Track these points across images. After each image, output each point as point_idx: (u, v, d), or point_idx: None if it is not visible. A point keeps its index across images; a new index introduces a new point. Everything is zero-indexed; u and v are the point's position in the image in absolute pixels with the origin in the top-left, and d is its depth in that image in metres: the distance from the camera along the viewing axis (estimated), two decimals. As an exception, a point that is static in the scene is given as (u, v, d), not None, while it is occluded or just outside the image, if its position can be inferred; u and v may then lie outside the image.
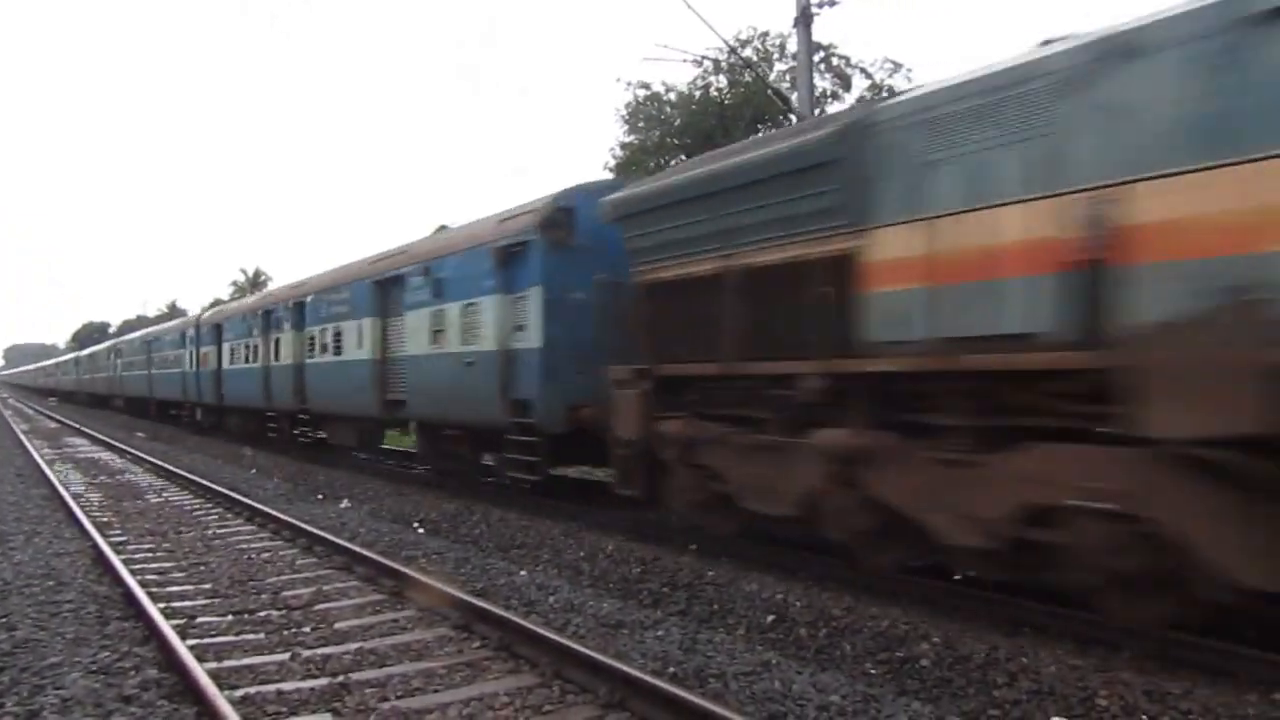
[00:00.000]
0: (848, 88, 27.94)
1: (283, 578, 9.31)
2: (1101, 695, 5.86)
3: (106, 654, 6.61)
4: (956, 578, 8.86)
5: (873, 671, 6.65)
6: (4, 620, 7.54)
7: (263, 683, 6.11)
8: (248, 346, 25.75)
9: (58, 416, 47.69)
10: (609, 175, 26.96)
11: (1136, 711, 5.67)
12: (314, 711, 5.63)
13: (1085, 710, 5.75)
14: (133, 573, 9.10)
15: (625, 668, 5.85)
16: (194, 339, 31.61)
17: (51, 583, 8.92)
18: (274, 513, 12.71)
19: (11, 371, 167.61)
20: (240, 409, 27.50)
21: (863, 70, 28.03)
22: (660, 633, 7.27)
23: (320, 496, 15.71)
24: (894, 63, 27.76)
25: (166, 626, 7.05)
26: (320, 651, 6.76)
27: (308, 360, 21.30)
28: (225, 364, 28.09)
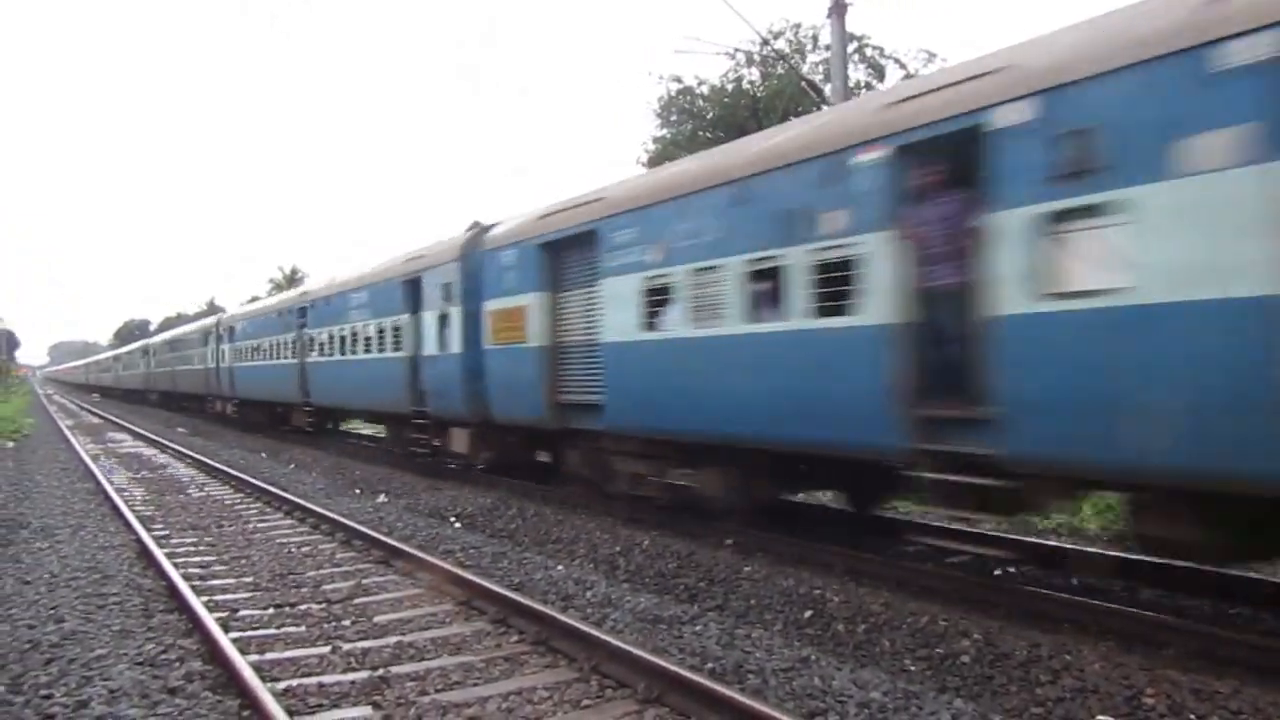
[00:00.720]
0: (882, 78, 27.67)
1: (322, 571, 9.41)
2: (1148, 694, 5.77)
3: (151, 646, 6.72)
4: (996, 573, 8.78)
5: (912, 668, 6.60)
6: (52, 612, 7.70)
7: (304, 675, 6.19)
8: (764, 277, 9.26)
9: (100, 412, 48.52)
10: (642, 169, 26.87)
11: (1184, 710, 5.58)
12: (355, 704, 5.69)
13: (1131, 709, 5.66)
14: (176, 566, 9.24)
15: (664, 663, 5.84)
16: (457, 288, 15.61)
17: (97, 576, 9.08)
18: (313, 507, 12.84)
19: (57, 368, 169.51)
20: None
21: (897, 60, 27.76)
22: (698, 628, 7.26)
23: (358, 491, 15.84)
24: (929, 53, 27.45)
25: (209, 619, 7.15)
26: (360, 645, 6.83)
27: None
28: (640, 329, 11.06)
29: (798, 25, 28.91)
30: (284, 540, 11.17)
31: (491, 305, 14.60)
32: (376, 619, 7.57)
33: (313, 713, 5.57)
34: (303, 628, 7.38)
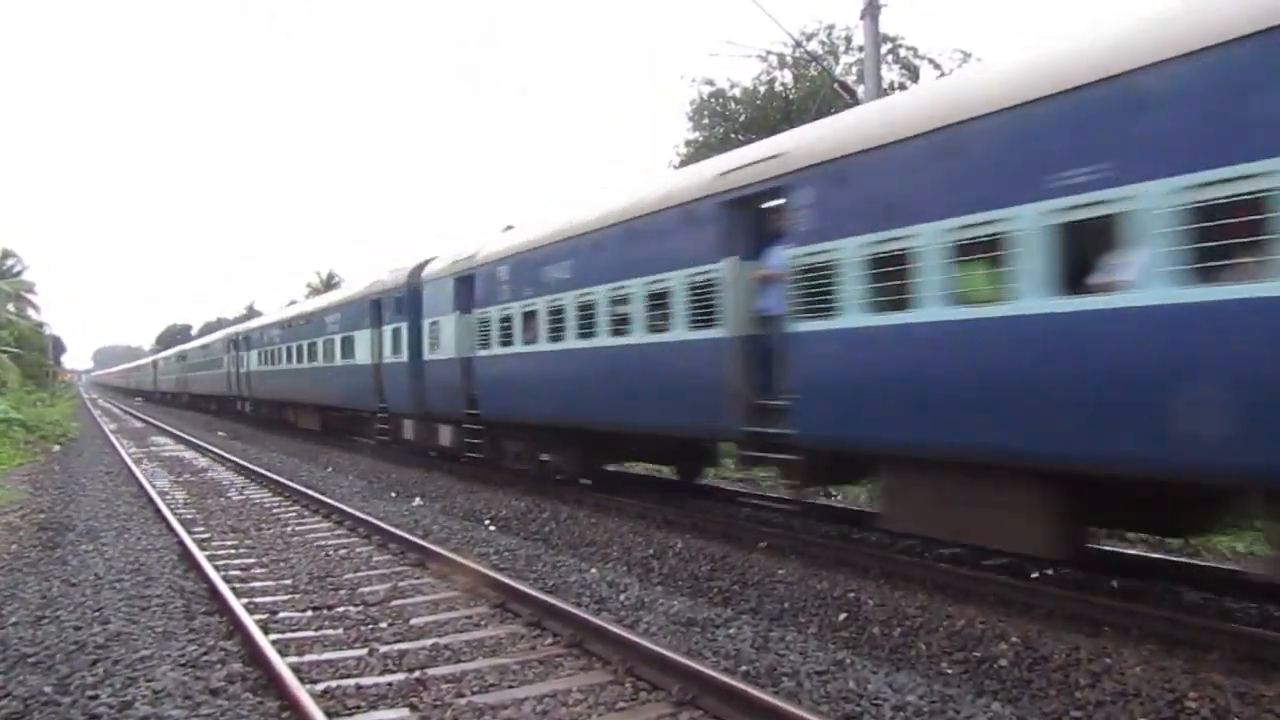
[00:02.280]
0: (916, 79, 27.46)
1: (360, 574, 9.51)
2: (1190, 698, 5.68)
3: (194, 648, 6.82)
4: (1034, 575, 8.67)
5: (949, 671, 6.55)
6: (98, 614, 7.85)
7: (342, 677, 6.25)
8: None
9: (143, 416, 49.35)
10: (674, 168, 26.85)
11: (1228, 715, 5.48)
12: (392, 706, 5.74)
13: (1174, 713, 5.58)
14: (217, 568, 9.38)
15: (698, 666, 5.84)
16: None
17: (141, 578, 9.25)
18: (350, 510, 12.98)
19: (103, 372, 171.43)
20: None
21: (931, 61, 27.53)
22: (732, 631, 7.24)
23: (394, 494, 15.99)
24: (963, 52, 27.19)
25: (250, 621, 7.26)
26: (397, 647, 6.89)
27: None
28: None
29: (831, 27, 28.79)
30: (322, 543, 11.30)
31: None
32: (413, 621, 7.64)
33: (351, 714, 5.63)
34: (341, 630, 7.46)
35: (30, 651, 6.82)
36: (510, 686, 6.03)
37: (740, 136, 28.03)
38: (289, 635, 7.25)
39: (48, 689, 5.97)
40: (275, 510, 14.21)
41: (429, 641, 7.01)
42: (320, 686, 5.99)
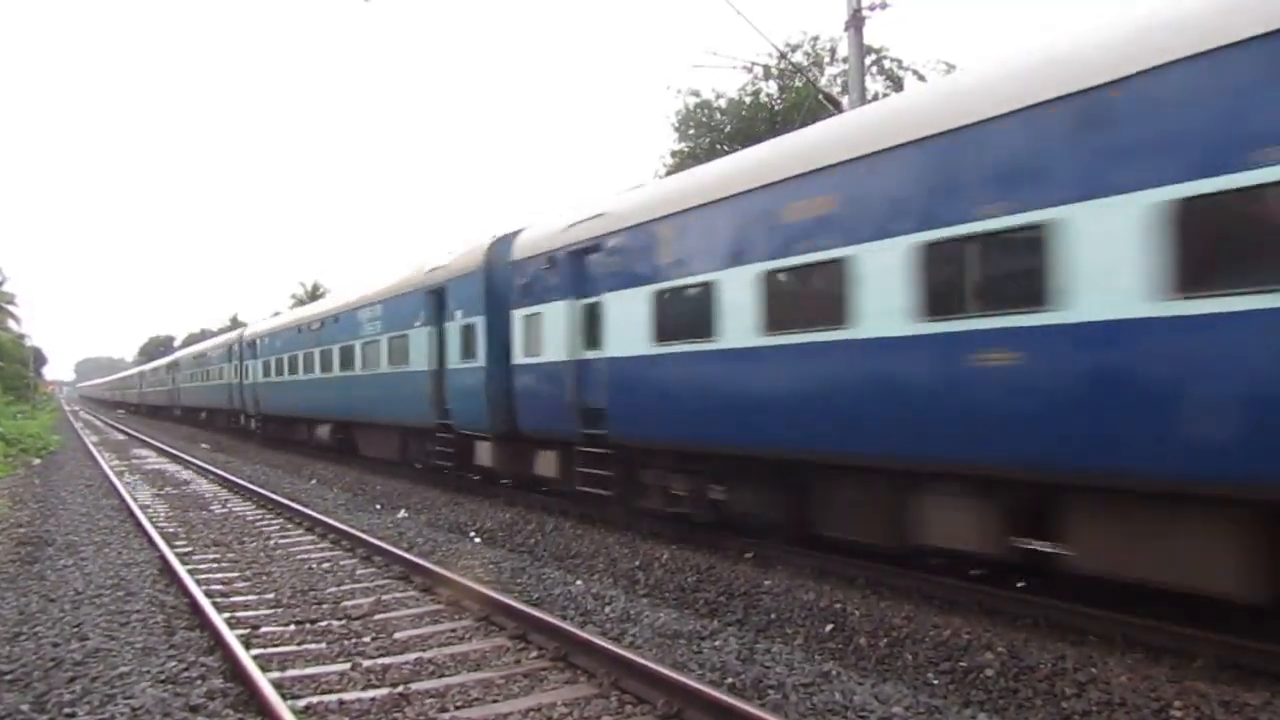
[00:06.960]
0: (900, 89, 27.61)
1: (343, 588, 9.43)
2: (1176, 706, 5.69)
3: (174, 663, 6.74)
4: (1020, 585, 8.68)
5: (935, 682, 6.54)
6: (76, 629, 7.75)
7: (325, 692, 6.19)
8: None
9: (126, 429, 48.98)
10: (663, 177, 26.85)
11: (1213, 724, 5.49)
12: (375, 721, 5.68)
13: (1159, 722, 5.58)
14: (198, 583, 9.29)
15: (684, 679, 5.81)
16: None
17: (121, 593, 9.14)
18: (334, 523, 12.88)
19: (89, 383, 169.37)
20: None
21: (915, 72, 27.70)
22: (718, 643, 7.21)
23: (378, 506, 15.89)
24: (947, 64, 27.38)
25: (231, 636, 7.18)
26: (380, 661, 6.83)
27: None
28: None
29: (815, 38, 28.98)
30: (305, 556, 11.21)
31: None
32: (396, 635, 7.58)
33: (333, 730, 5.57)
34: (323, 644, 7.39)
35: (7, 668, 6.73)
36: (494, 701, 5.99)
37: (726, 147, 28.13)
38: (271, 650, 7.18)
39: (25, 707, 5.90)
40: (258, 523, 14.10)
41: (413, 656, 6.95)
42: (302, 702, 5.93)
